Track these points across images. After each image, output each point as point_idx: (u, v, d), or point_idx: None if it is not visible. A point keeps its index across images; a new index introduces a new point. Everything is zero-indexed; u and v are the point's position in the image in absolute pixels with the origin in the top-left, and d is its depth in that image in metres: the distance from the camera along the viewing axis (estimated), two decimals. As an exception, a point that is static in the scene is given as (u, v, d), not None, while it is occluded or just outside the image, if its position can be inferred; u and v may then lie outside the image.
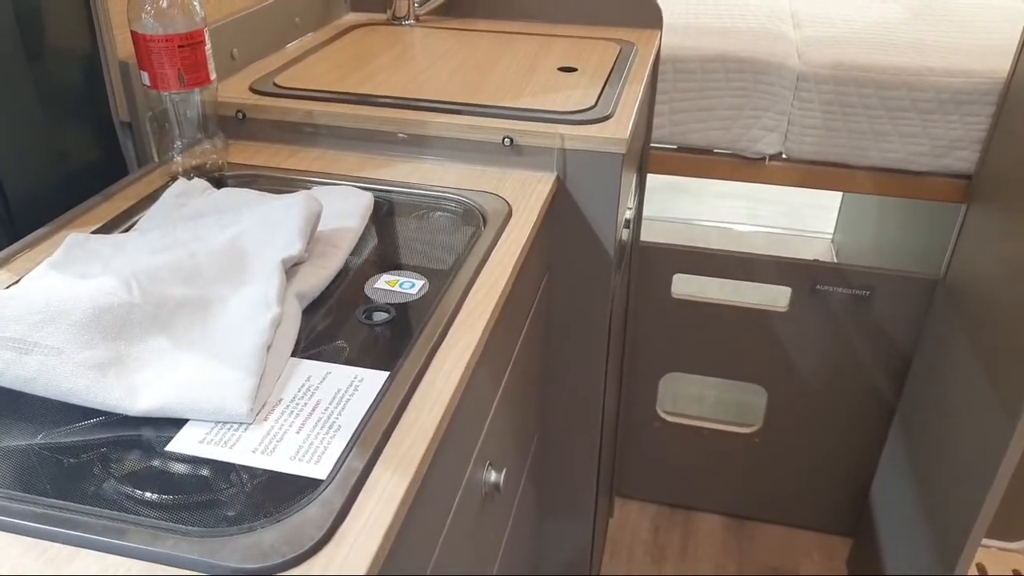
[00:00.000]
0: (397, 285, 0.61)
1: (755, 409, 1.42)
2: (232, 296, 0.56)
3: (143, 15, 0.68)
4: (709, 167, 1.19)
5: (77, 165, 0.75)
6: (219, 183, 0.75)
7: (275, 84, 0.87)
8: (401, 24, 1.11)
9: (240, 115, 0.83)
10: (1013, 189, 1.01)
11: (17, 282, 0.59)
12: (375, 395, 0.49)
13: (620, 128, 0.78)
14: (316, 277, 0.59)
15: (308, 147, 0.83)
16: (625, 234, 0.94)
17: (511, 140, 0.78)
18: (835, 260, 2.15)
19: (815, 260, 1.26)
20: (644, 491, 1.54)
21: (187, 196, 0.69)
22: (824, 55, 1.10)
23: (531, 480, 0.91)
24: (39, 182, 0.71)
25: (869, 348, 1.28)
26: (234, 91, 0.85)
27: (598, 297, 0.86)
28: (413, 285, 0.61)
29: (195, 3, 0.70)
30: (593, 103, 0.82)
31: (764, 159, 1.16)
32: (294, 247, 0.58)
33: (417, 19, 1.12)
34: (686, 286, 1.32)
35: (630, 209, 0.97)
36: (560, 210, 0.81)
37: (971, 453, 1.04)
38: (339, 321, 0.57)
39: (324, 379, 0.51)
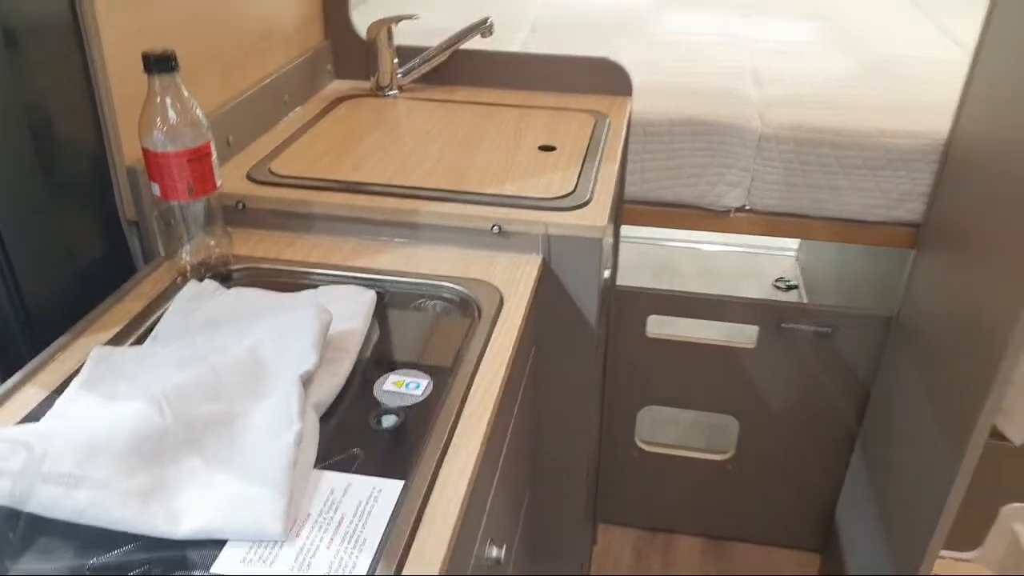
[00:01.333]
0: (403, 386, 0.67)
1: (727, 430, 1.50)
2: (255, 409, 0.61)
3: (154, 132, 0.72)
4: (679, 219, 1.26)
5: (86, 263, 0.79)
6: (226, 278, 0.79)
7: (271, 171, 0.92)
8: (385, 94, 1.16)
9: (240, 205, 0.87)
10: (956, 237, 1.10)
11: (50, 401, 0.63)
12: (393, 506, 0.55)
13: (599, 215, 0.84)
14: (330, 385, 0.64)
15: (305, 234, 0.88)
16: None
17: (499, 228, 0.84)
18: (799, 275, 2.25)
19: (780, 300, 1.34)
20: (625, 517, 1.62)
21: (199, 299, 0.74)
22: (784, 117, 1.18)
23: (523, 535, 0.97)
24: (53, 284, 0.75)
25: (832, 380, 1.37)
26: (232, 180, 0.90)
27: (582, 366, 0.93)
28: (418, 386, 0.67)
29: (198, 114, 0.74)
30: (572, 188, 0.89)
31: (729, 212, 1.24)
32: (310, 360, 0.63)
33: (400, 88, 1.17)
34: (660, 325, 1.39)
35: (608, 270, 1.04)
36: (546, 289, 0.87)
37: (925, 475, 1.13)
38: (352, 427, 0.63)
39: (345, 492, 0.56)
